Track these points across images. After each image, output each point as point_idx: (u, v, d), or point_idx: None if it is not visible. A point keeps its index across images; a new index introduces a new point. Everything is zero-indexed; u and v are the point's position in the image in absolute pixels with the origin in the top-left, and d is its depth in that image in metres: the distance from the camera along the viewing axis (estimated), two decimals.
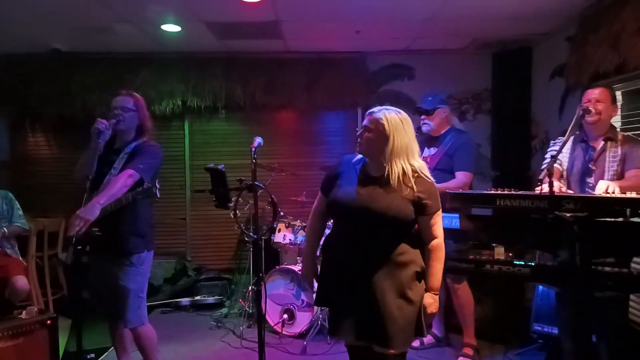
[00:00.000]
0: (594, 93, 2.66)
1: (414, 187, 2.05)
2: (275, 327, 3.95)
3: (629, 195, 2.02)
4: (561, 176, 2.78)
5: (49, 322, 3.05)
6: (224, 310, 4.60)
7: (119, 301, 2.78)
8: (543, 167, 2.33)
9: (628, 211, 1.93)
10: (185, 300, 4.74)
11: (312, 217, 2.37)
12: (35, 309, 3.17)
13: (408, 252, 2.09)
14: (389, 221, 2.03)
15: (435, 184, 2.15)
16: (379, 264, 2.05)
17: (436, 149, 3.51)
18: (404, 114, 2.13)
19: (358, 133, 2.13)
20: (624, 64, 3.23)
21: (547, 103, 4.73)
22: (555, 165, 2.77)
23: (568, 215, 1.99)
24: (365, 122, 2.12)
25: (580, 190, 2.70)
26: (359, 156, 2.22)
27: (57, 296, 4.56)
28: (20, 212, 3.89)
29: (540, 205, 2.14)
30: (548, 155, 2.81)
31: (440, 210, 2.14)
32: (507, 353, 3.50)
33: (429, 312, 2.10)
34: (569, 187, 2.74)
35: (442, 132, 3.53)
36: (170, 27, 4.32)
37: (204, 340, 3.93)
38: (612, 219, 2.00)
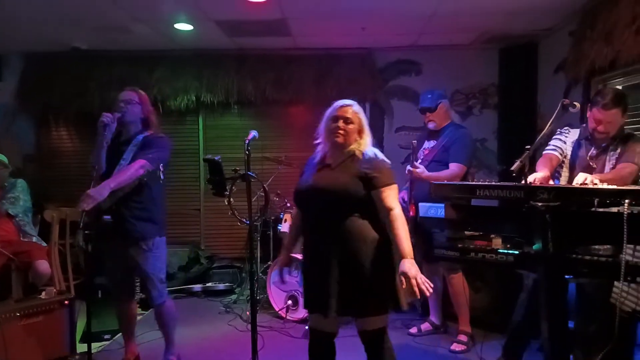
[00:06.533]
0: (607, 115, 2.56)
1: (361, 164, 2.24)
2: (279, 312, 4.14)
3: (598, 186, 2.12)
4: (560, 165, 2.85)
5: (66, 302, 3.29)
6: (234, 297, 4.81)
7: (142, 284, 3.00)
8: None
9: (595, 201, 2.04)
10: (197, 287, 4.97)
11: (293, 215, 2.62)
12: (55, 290, 3.42)
13: (362, 225, 2.21)
14: (336, 196, 2.21)
15: (385, 162, 2.30)
16: (336, 240, 2.21)
17: (435, 142, 3.64)
18: None
19: (336, 124, 2.29)
20: (618, 59, 3.28)
21: (552, 97, 4.76)
22: (555, 153, 2.84)
23: (540, 204, 2.11)
24: (342, 113, 2.30)
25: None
26: (317, 152, 2.43)
27: (78, 281, 4.80)
28: (14, 197, 4.09)
29: (517, 195, 2.25)
30: (551, 144, 2.88)
31: (394, 185, 2.25)
32: (502, 341, 3.60)
33: (411, 275, 2.05)
34: (570, 179, 2.81)
35: (443, 125, 3.66)
36: (183, 26, 4.52)
37: (212, 324, 4.14)
38: (582, 209, 2.10)
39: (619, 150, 2.62)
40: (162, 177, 2.98)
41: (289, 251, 2.61)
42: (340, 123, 2.29)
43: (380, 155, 2.30)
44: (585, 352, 2.56)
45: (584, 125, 2.82)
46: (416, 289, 2.04)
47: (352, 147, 2.29)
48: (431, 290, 2.07)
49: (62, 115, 5.53)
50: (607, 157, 2.65)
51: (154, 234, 2.96)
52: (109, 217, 2.74)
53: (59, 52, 5.25)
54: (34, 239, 4.13)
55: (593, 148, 2.72)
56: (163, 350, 3.21)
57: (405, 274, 2.06)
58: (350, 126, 2.29)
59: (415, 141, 3.61)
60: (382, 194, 2.21)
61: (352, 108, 2.32)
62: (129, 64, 5.33)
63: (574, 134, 2.84)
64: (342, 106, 2.32)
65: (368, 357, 2.35)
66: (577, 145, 2.79)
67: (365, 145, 2.31)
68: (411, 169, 3.41)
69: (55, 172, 5.58)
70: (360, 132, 2.32)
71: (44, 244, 4.18)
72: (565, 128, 2.88)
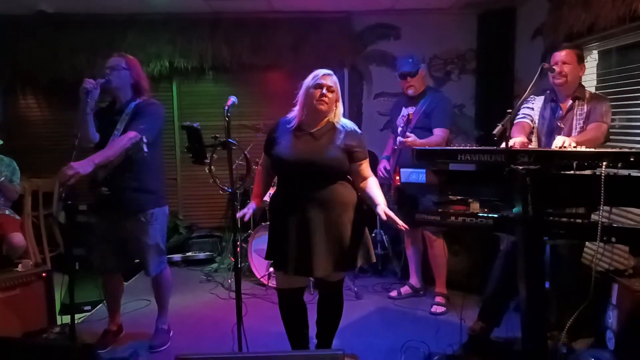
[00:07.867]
0: (560, 55, 2.77)
1: (345, 138, 2.39)
2: (261, 279, 4.16)
3: (577, 149, 2.15)
4: (531, 132, 2.91)
5: (44, 274, 3.24)
6: (214, 266, 4.81)
7: (140, 255, 2.96)
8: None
9: (574, 164, 2.07)
10: (176, 257, 4.93)
11: (259, 170, 2.66)
12: (31, 263, 3.36)
13: (341, 191, 2.42)
14: (327, 169, 2.35)
15: (363, 136, 2.49)
16: (322, 205, 2.35)
17: (414, 108, 3.63)
18: None
19: (321, 91, 2.33)
20: (596, 23, 3.29)
21: (529, 63, 4.78)
22: (526, 120, 2.92)
23: (520, 168, 2.13)
24: (324, 81, 2.34)
25: (549, 147, 2.82)
26: (291, 116, 2.48)
27: (54, 253, 4.74)
28: (19, 180, 4.03)
29: (498, 159, 2.27)
30: (520, 113, 2.94)
31: (367, 157, 2.50)
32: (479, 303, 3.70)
33: (389, 212, 2.35)
34: (539, 144, 2.88)
35: (421, 91, 3.65)
36: None
37: (194, 292, 4.15)
38: (562, 172, 2.14)
39: (585, 110, 2.72)
40: (145, 149, 2.78)
41: (260, 198, 2.66)
42: (325, 90, 2.34)
43: (357, 128, 2.48)
44: (560, 311, 2.65)
45: (548, 91, 2.90)
46: (397, 221, 2.31)
47: (331, 116, 2.41)
48: (406, 226, 2.36)
49: (30, 82, 5.32)
50: (574, 117, 2.75)
51: (151, 205, 2.92)
52: (106, 189, 2.70)
53: (24, 16, 4.99)
54: (7, 212, 4.01)
55: (560, 109, 2.81)
56: (146, 320, 3.22)
57: (385, 212, 2.36)
58: (332, 95, 2.37)
59: (412, 110, 3.59)
60: (361, 167, 2.46)
61: (333, 77, 2.40)
62: (99, 29, 5.10)
63: (539, 101, 2.94)
64: (325, 74, 2.37)
65: (324, 303, 2.65)
66: (543, 109, 2.89)
67: (340, 115, 2.44)
68: (403, 139, 3.38)
69: (24, 142, 5.37)
70: (337, 101, 2.41)
71: (17, 217, 4.07)
72: (531, 97, 2.95)
